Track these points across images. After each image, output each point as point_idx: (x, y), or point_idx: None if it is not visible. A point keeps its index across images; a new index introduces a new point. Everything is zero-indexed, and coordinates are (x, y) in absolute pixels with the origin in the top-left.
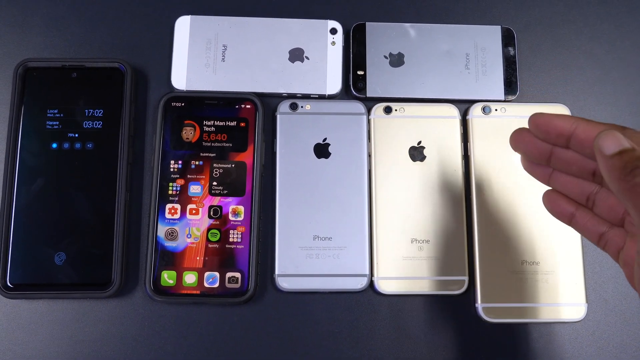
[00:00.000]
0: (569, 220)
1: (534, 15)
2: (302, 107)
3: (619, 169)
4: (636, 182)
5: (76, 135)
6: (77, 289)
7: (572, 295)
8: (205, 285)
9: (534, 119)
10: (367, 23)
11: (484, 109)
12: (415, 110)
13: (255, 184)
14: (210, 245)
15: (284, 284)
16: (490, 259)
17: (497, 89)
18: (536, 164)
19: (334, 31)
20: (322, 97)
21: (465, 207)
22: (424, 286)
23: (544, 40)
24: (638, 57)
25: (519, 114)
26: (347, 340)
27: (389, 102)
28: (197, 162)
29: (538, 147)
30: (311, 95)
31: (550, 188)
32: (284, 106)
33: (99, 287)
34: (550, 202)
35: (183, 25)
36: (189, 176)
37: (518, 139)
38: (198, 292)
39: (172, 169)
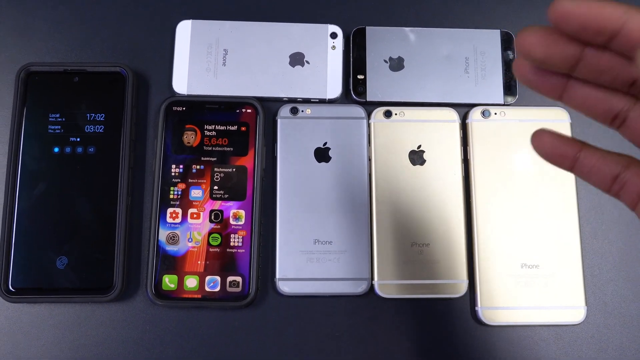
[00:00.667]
0: (570, 165)
1: (533, 19)
2: (302, 111)
3: None
4: None
5: (78, 139)
6: (79, 293)
7: (571, 298)
8: (207, 289)
9: (565, 3)
10: (367, 27)
11: (483, 113)
12: (415, 114)
13: (256, 188)
14: (211, 250)
15: (285, 287)
16: (490, 262)
17: (497, 92)
18: (548, 73)
19: (334, 35)
20: (322, 102)
21: (465, 210)
22: (424, 290)
23: None
24: None
25: (518, 118)
26: (347, 344)
27: (389, 106)
28: (198, 167)
29: (563, 49)
30: (311, 100)
31: (539, 128)
32: (284, 110)
33: (101, 291)
34: (545, 145)
35: (184, 30)
36: (190, 180)
37: (536, 41)
38: (199, 296)
39: (173, 173)
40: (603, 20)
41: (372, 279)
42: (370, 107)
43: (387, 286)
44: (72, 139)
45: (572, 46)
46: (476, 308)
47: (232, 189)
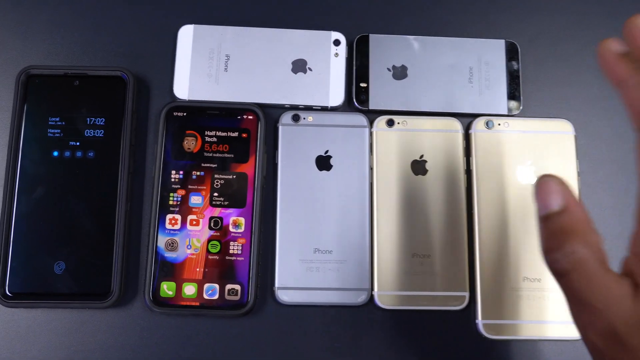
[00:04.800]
0: (617, 83)
1: (539, 30)
2: (304, 118)
3: (544, 243)
4: (559, 266)
5: (77, 143)
6: (76, 299)
7: None
8: (205, 296)
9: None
10: (370, 35)
11: (487, 124)
12: (418, 124)
13: (256, 196)
14: (210, 257)
15: (284, 296)
16: (492, 275)
17: (501, 103)
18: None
19: (337, 43)
20: (324, 109)
21: (467, 222)
22: (424, 301)
23: (548, 55)
24: None
25: (522, 129)
26: (346, 355)
27: (391, 115)
28: (198, 173)
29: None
30: (313, 107)
31: (607, 39)
32: (286, 117)
33: (98, 297)
34: (604, 58)
35: (186, 35)
36: (189, 187)
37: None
38: (197, 303)
39: (173, 179)
40: None
41: (372, 289)
42: (372, 115)
43: (387, 297)
44: (71, 143)
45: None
46: (476, 321)
47: (232, 196)
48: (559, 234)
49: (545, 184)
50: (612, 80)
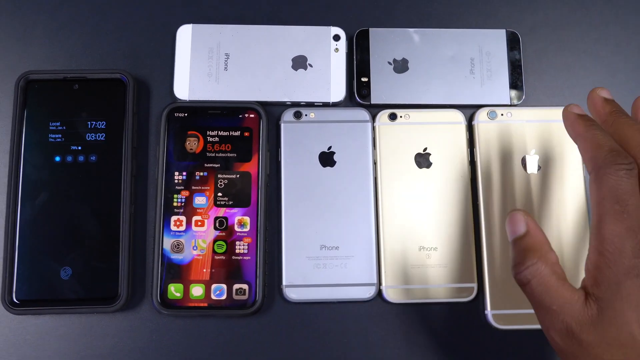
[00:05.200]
0: (575, 136)
1: (539, 18)
2: (306, 115)
3: (512, 260)
4: (521, 277)
5: (79, 147)
6: (84, 304)
7: None
8: (213, 297)
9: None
10: (370, 29)
11: (489, 114)
12: (421, 117)
13: (260, 194)
14: (216, 257)
15: (292, 294)
16: (499, 265)
17: (503, 93)
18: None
19: (337, 38)
20: (326, 105)
21: (473, 213)
22: (432, 294)
23: (549, 43)
24: None
25: (525, 119)
26: (356, 350)
27: (393, 109)
28: (201, 173)
29: None
30: (315, 103)
31: (569, 105)
32: (288, 115)
33: (106, 302)
34: (566, 118)
35: (184, 34)
36: (193, 187)
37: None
38: (205, 304)
39: (176, 181)
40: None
41: (380, 284)
42: (374, 109)
43: (395, 291)
44: (73, 147)
45: None
46: (485, 312)
47: (237, 196)
48: (523, 252)
49: (513, 215)
50: (571, 134)
